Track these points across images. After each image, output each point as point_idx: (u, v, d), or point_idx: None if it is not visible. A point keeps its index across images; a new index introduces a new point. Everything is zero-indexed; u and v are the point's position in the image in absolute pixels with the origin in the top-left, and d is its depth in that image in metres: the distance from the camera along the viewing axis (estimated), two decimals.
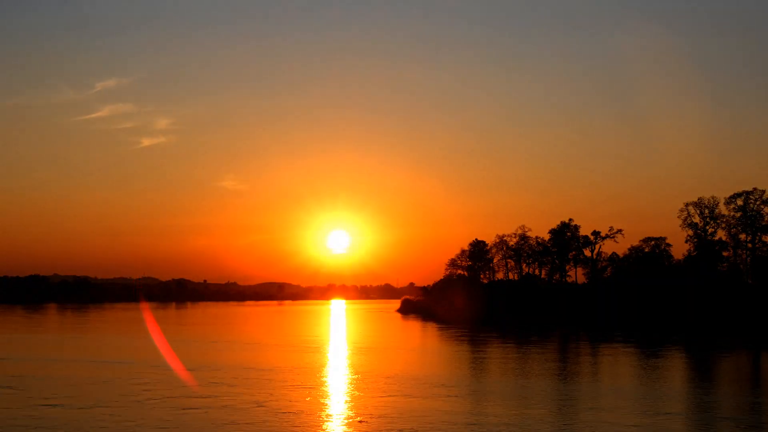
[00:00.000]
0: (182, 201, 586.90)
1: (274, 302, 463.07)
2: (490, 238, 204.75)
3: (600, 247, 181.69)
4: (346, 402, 50.08)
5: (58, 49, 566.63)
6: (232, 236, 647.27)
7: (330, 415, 44.80)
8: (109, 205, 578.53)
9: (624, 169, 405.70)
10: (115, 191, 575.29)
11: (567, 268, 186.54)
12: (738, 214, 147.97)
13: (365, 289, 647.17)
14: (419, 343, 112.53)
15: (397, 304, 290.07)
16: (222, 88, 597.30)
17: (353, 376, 64.69)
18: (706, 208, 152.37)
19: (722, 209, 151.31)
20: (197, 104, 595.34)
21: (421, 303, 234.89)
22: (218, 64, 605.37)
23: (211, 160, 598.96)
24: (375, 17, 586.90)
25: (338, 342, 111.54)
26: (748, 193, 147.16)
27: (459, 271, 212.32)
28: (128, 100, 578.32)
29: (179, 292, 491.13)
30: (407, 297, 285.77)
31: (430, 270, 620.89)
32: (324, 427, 41.42)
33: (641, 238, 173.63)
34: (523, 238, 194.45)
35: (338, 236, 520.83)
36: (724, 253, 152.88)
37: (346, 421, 43.02)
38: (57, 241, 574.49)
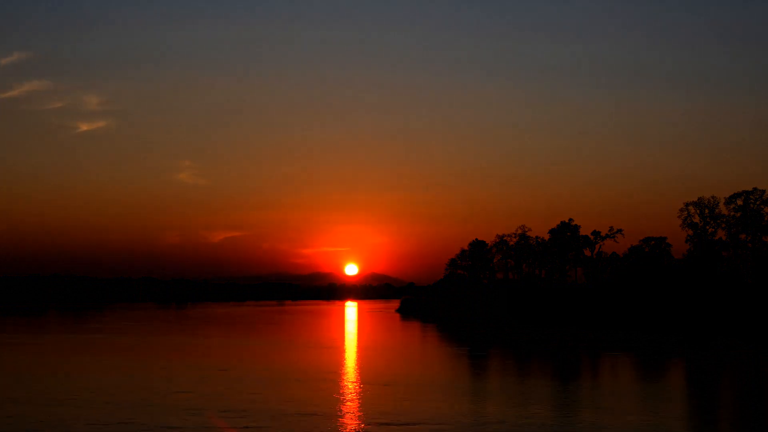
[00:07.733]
0: (137, 196, 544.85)
1: (274, 302, 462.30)
2: (490, 238, 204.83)
3: (600, 247, 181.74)
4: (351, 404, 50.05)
5: None
6: (202, 233, 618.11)
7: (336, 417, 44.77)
8: (52, 201, 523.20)
9: (624, 169, 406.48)
10: (57, 184, 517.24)
11: (567, 268, 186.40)
12: (738, 214, 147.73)
13: (366, 290, 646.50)
14: (419, 347, 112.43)
15: (396, 304, 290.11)
16: (152, 63, 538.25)
17: (358, 380, 64.67)
18: (706, 208, 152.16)
19: (722, 209, 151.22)
20: (127, 80, 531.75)
21: (420, 303, 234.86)
22: (147, 35, 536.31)
23: (163, 149, 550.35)
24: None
25: (355, 344, 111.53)
26: (748, 193, 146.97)
27: (459, 272, 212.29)
28: (43, 75, 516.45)
29: (179, 292, 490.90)
30: (407, 297, 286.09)
31: (431, 270, 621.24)
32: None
33: (641, 238, 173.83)
34: (523, 238, 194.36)
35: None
36: (724, 253, 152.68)
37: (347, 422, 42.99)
38: (56, 239, 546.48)
